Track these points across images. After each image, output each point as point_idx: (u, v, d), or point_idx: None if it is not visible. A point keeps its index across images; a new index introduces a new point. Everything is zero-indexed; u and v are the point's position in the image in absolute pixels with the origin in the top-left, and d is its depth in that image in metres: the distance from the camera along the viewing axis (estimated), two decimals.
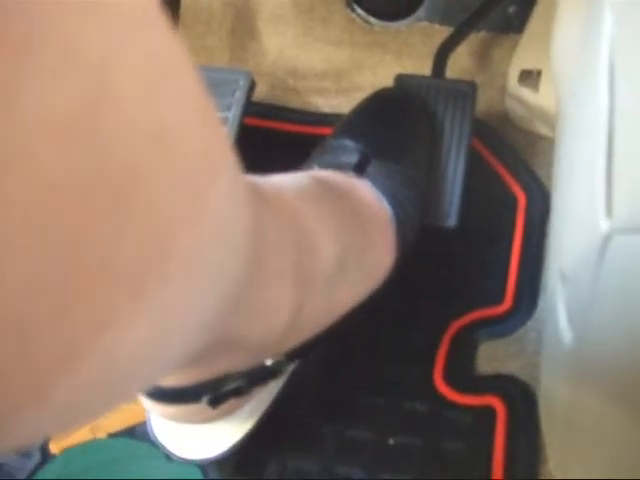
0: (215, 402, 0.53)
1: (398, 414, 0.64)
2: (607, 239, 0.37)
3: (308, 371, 0.62)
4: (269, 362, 0.54)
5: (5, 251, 0.20)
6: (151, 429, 0.60)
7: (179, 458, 0.59)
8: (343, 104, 0.81)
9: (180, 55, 0.28)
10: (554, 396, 0.57)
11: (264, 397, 0.60)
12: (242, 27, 0.88)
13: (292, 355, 0.56)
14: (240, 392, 0.54)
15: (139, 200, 0.24)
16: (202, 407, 0.53)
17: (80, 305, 0.23)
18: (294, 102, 0.84)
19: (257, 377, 0.54)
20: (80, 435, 0.67)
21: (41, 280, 0.22)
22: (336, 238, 0.55)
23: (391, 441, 0.63)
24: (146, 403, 0.55)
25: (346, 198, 0.59)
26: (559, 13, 0.63)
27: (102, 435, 0.67)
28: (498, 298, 0.69)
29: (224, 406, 0.55)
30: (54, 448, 0.67)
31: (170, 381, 0.52)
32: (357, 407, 0.65)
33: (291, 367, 0.58)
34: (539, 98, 0.75)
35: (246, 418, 0.59)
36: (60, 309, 0.23)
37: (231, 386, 0.53)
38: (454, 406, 0.64)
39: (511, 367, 0.66)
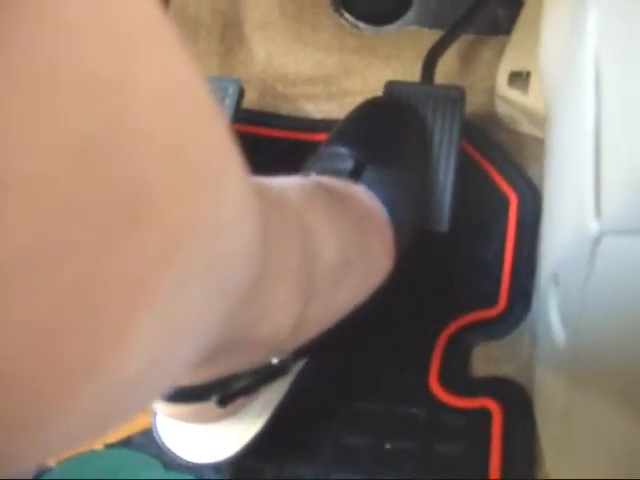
0: (224, 401, 0.54)
1: (394, 418, 0.64)
2: (597, 240, 0.37)
3: (304, 377, 0.62)
4: (275, 361, 0.55)
5: (30, 267, 0.21)
6: (158, 435, 0.60)
7: (189, 462, 0.60)
8: (333, 110, 0.82)
9: (190, 67, 0.28)
10: (549, 397, 0.57)
11: (271, 397, 0.60)
12: (231, 34, 0.88)
13: (298, 354, 0.57)
14: (248, 390, 0.55)
15: (154, 213, 0.25)
16: (211, 406, 0.54)
17: (103, 314, 0.24)
18: (284, 108, 0.84)
19: (265, 375, 0.55)
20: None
21: (66, 293, 0.22)
22: (337, 239, 0.56)
23: (388, 446, 0.63)
24: (156, 404, 0.55)
25: (346, 202, 0.60)
26: (545, 15, 0.63)
27: (99, 446, 0.67)
28: (492, 300, 0.69)
29: (232, 406, 0.55)
30: (50, 459, 0.67)
31: (180, 381, 0.52)
32: (353, 412, 0.65)
33: (297, 367, 0.59)
34: (528, 99, 0.76)
35: (254, 418, 0.60)
36: (84, 319, 0.23)
37: (240, 384, 0.54)
38: (450, 409, 0.64)
39: (506, 369, 0.66)
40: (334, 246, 0.55)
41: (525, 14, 0.78)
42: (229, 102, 0.72)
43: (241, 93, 0.73)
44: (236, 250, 0.33)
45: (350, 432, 0.64)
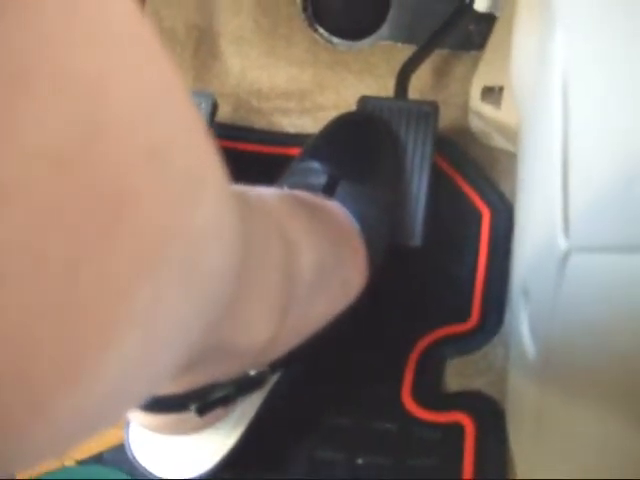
0: (203, 410, 0.54)
1: (367, 433, 0.64)
2: (565, 257, 0.38)
3: (278, 391, 0.62)
4: (253, 372, 0.55)
5: (5, 275, 0.21)
6: (130, 451, 0.60)
7: (161, 478, 0.60)
8: (307, 124, 0.82)
9: (170, 71, 0.28)
10: (521, 410, 0.58)
11: (247, 409, 0.61)
12: (205, 49, 0.88)
13: (274, 365, 0.57)
14: (227, 401, 0.55)
15: (133, 219, 0.24)
16: (189, 416, 0.54)
17: (80, 323, 0.23)
18: (258, 122, 0.84)
19: (244, 386, 0.55)
20: (48, 463, 0.67)
21: (42, 301, 0.22)
22: (315, 253, 0.56)
23: (360, 461, 0.63)
24: (133, 415, 0.55)
25: (322, 217, 0.60)
26: (515, 32, 0.64)
27: (70, 462, 0.67)
28: (464, 315, 0.69)
29: (209, 417, 0.55)
30: (21, 477, 0.66)
31: (159, 390, 0.52)
32: (325, 427, 0.65)
33: (273, 379, 0.59)
34: (501, 114, 0.76)
35: (230, 431, 0.60)
36: (61, 329, 0.23)
37: (218, 394, 0.54)
38: (423, 424, 0.64)
39: (479, 383, 0.67)
40: (312, 260, 0.55)
41: (497, 30, 0.79)
42: (202, 117, 0.72)
43: (214, 108, 0.73)
44: (216, 260, 0.33)
45: (323, 447, 0.64)
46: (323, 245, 0.57)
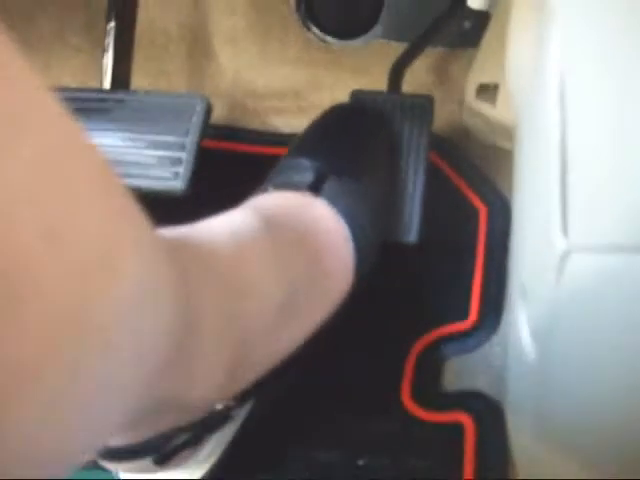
0: (162, 460, 0.51)
1: (366, 434, 0.64)
2: (564, 257, 0.38)
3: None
4: (219, 406, 0.52)
5: None
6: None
7: None
8: (302, 124, 0.81)
9: (75, 136, 0.27)
10: (521, 410, 0.57)
11: (220, 439, 0.58)
12: (199, 50, 0.88)
13: (242, 398, 0.54)
14: (190, 445, 0.52)
15: (38, 298, 0.24)
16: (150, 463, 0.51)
17: None
18: (253, 123, 0.84)
19: (206, 427, 0.53)
20: None
21: None
22: (282, 278, 0.53)
23: (360, 462, 0.63)
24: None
25: (298, 226, 0.57)
26: (511, 29, 0.63)
27: None
28: (463, 313, 0.69)
29: (175, 460, 0.52)
30: None
31: (117, 440, 0.50)
32: (324, 429, 0.65)
33: (245, 408, 0.57)
34: (497, 111, 0.76)
35: (202, 461, 0.57)
36: None
37: (179, 440, 0.51)
38: (422, 424, 0.64)
39: (478, 382, 0.66)
40: (277, 288, 0.52)
41: (492, 27, 0.79)
42: (196, 119, 0.71)
43: (209, 110, 0.73)
44: (146, 320, 0.32)
45: (323, 448, 0.64)
46: (295, 266, 0.55)
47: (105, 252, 0.28)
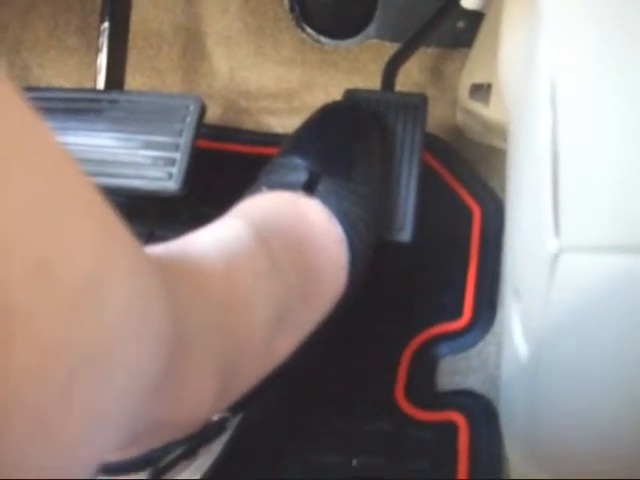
0: (158, 474, 0.50)
1: (361, 434, 0.64)
2: (556, 258, 0.38)
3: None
4: (215, 418, 0.52)
5: None
6: None
7: None
8: (296, 124, 0.81)
9: (63, 165, 0.27)
10: (514, 409, 0.58)
11: (212, 449, 0.57)
12: (193, 49, 0.88)
13: (235, 409, 0.54)
14: (185, 457, 0.52)
15: (27, 331, 0.24)
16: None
17: None
18: (247, 123, 0.84)
19: (202, 439, 0.52)
20: None
21: None
22: (275, 290, 0.53)
23: (355, 462, 0.63)
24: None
25: (291, 229, 0.57)
26: (503, 29, 0.63)
27: None
28: (456, 312, 0.69)
29: (171, 473, 0.52)
30: None
31: (113, 455, 0.49)
32: (319, 429, 0.65)
33: (238, 417, 0.57)
34: (490, 111, 0.76)
35: (193, 471, 0.56)
36: None
37: (174, 454, 0.51)
38: (416, 423, 0.64)
39: (472, 381, 0.67)
40: (270, 303, 0.52)
41: (485, 27, 0.79)
42: (190, 119, 0.71)
43: (203, 110, 0.73)
44: (135, 345, 0.32)
45: (317, 449, 0.64)
46: (287, 275, 0.54)
47: (94, 281, 0.28)
